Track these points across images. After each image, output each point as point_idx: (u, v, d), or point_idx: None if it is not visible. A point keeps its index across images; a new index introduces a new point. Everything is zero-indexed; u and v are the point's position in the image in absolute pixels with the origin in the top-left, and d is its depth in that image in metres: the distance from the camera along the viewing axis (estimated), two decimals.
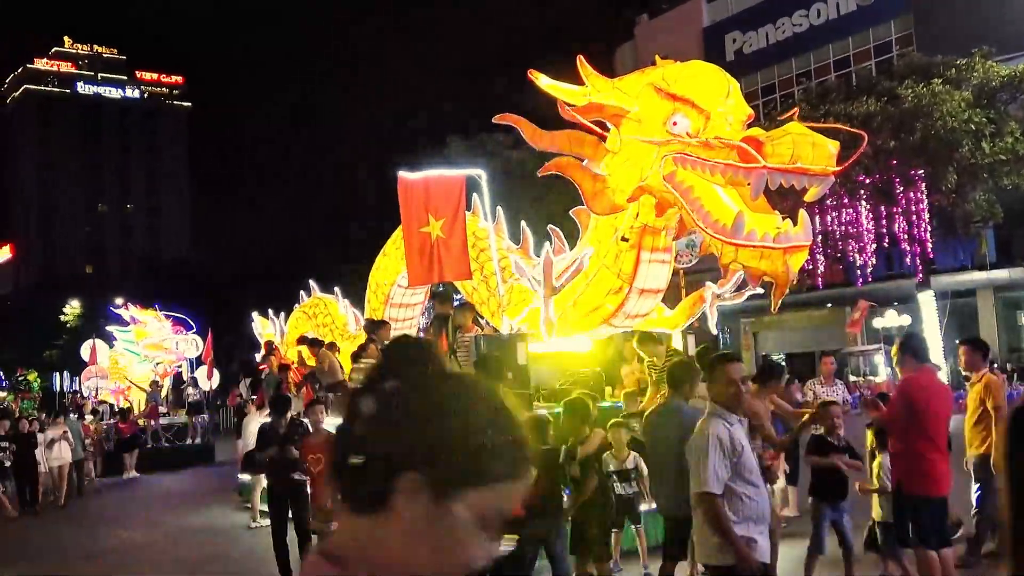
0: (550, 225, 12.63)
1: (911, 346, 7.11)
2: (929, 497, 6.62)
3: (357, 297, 17.03)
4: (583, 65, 9.94)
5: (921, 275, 32.57)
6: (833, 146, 8.45)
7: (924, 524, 6.60)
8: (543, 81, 10.07)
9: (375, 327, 13.79)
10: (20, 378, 50.02)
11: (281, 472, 10.10)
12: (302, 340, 17.49)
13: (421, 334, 15.41)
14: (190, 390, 28.62)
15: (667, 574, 7.39)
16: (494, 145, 39.08)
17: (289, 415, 10.77)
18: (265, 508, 12.52)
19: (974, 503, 8.60)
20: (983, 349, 9.01)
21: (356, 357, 13.40)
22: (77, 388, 36.18)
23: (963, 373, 9.02)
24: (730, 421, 4.89)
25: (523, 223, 13.19)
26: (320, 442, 9.56)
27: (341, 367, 15.01)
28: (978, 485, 8.56)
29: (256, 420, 13.98)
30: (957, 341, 9.14)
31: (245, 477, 15.30)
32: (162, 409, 27.53)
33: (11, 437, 17.56)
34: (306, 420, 10.58)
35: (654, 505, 8.80)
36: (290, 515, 10.11)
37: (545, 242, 11.84)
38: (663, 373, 9.63)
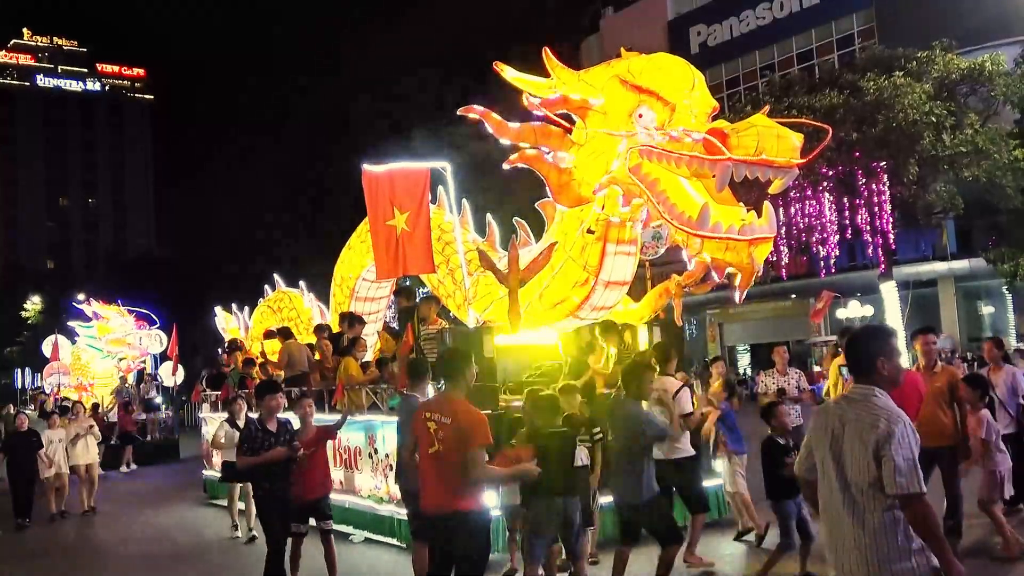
0: (516, 218, 12.61)
1: None
2: None
3: (322, 291, 16.92)
4: (548, 57, 9.93)
5: (883, 266, 32.90)
6: (797, 139, 8.50)
7: None
8: (508, 73, 10.04)
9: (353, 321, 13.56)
10: None
11: (279, 479, 8.35)
12: (269, 334, 17.34)
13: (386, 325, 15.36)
14: (145, 386, 28.31)
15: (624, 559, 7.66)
16: (459, 138, 38.96)
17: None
18: (242, 507, 12.38)
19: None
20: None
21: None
22: (39, 385, 35.78)
23: (921, 362, 9.12)
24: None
25: (489, 216, 13.15)
26: (312, 437, 8.70)
27: (307, 356, 14.61)
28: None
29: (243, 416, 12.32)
30: (912, 332, 9.24)
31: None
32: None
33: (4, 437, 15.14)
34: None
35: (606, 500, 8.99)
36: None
37: (511, 235, 11.82)
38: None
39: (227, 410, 13.00)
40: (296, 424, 8.98)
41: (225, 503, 13.35)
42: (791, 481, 7.63)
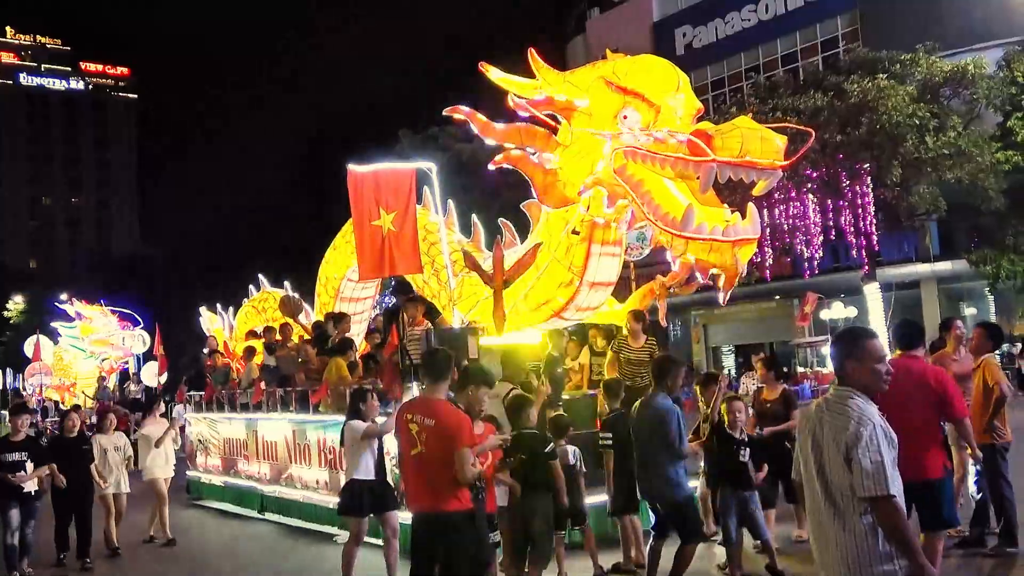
0: (501, 218, 12.62)
1: (896, 334, 7.37)
2: None
3: (307, 291, 16.87)
4: (534, 58, 9.95)
5: (867, 267, 33.05)
6: (781, 140, 8.55)
7: None
8: (494, 74, 10.06)
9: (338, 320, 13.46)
10: None
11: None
12: (251, 334, 17.26)
13: (371, 326, 15.30)
14: (132, 387, 28.18)
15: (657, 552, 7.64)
16: (445, 138, 38.99)
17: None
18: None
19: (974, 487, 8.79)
20: (996, 336, 8.97)
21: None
22: (18, 385, 35.61)
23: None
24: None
25: (474, 216, 13.16)
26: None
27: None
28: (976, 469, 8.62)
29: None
30: (927, 324, 9.15)
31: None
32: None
33: (46, 444, 11.65)
34: None
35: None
36: None
37: (496, 235, 11.82)
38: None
39: (353, 407, 8.93)
40: None
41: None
42: (739, 475, 7.66)
